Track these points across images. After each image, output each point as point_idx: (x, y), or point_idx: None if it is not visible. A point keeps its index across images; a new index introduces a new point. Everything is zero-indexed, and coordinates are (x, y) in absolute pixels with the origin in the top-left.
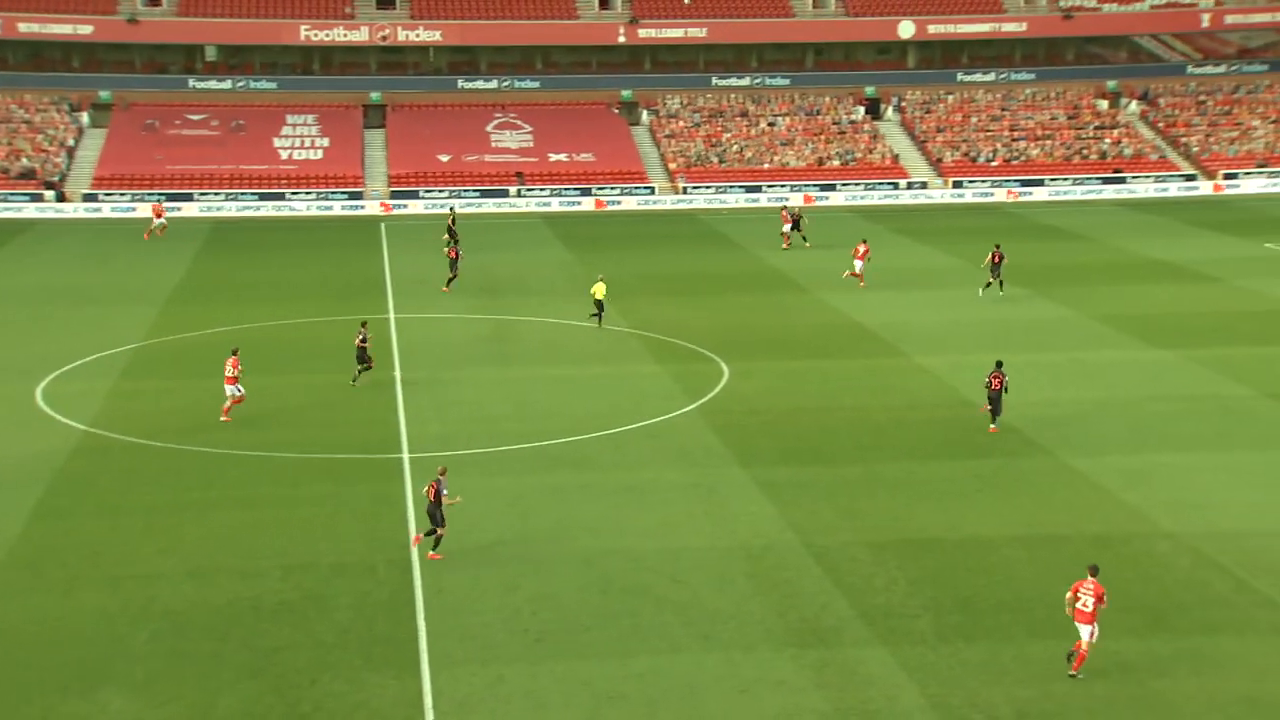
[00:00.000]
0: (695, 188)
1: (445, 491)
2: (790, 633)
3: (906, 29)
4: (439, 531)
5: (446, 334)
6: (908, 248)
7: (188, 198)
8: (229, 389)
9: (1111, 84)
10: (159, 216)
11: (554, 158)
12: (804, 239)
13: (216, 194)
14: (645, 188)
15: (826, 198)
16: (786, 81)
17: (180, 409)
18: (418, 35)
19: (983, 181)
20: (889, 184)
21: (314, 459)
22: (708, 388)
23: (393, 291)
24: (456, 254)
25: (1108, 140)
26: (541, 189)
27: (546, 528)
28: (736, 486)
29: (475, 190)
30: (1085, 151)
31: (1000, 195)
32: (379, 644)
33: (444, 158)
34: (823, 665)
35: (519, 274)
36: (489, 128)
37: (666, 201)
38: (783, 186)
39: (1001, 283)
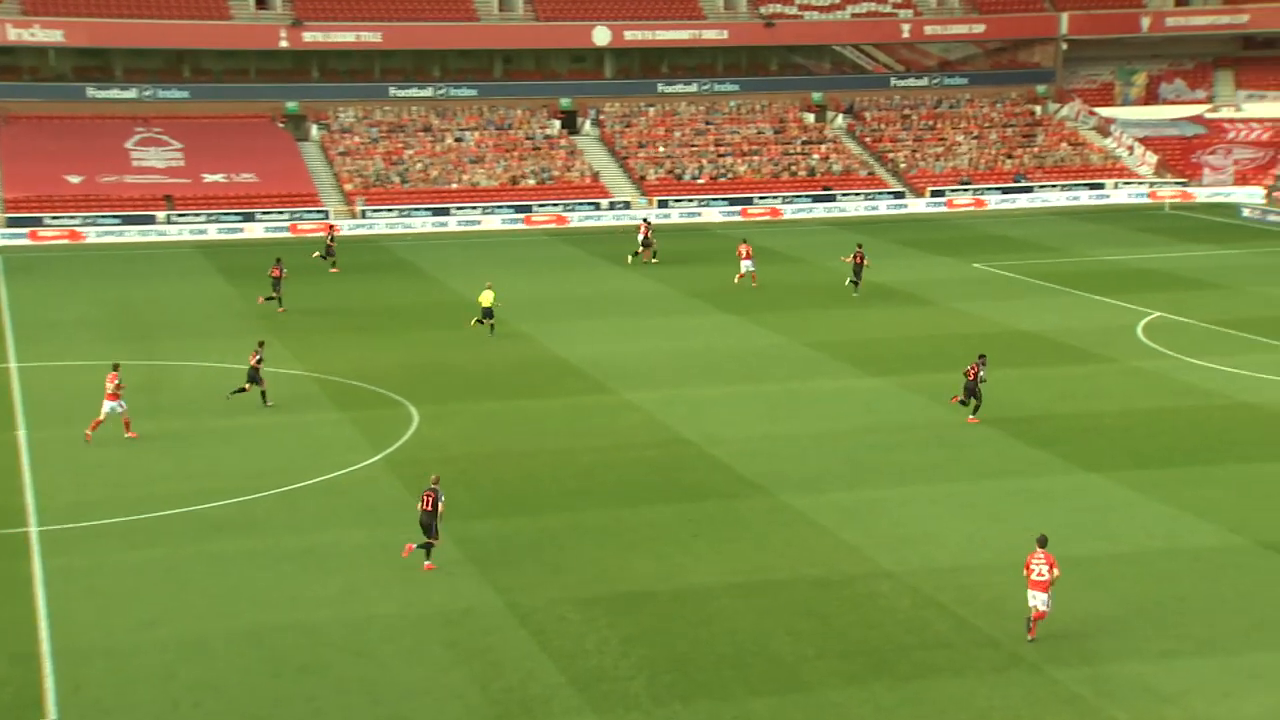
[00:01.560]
0: (375, 211)
1: (443, 499)
2: (493, 705)
3: (602, 35)
4: (433, 542)
5: (84, 384)
6: (611, 273)
7: None
8: (109, 405)
9: (817, 96)
10: None
11: (209, 178)
12: (654, 255)
13: None
14: (318, 211)
15: (522, 220)
16: (473, 92)
17: None
18: (33, 34)
19: (689, 200)
20: (589, 204)
21: None
22: (395, 435)
23: (14, 336)
24: (280, 273)
25: (816, 156)
26: (195, 214)
27: (208, 603)
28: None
29: (115, 217)
30: (794, 168)
31: (712, 215)
32: None
33: (74, 179)
34: None
35: (172, 313)
36: (129, 144)
37: (343, 227)
38: (473, 208)
39: (856, 283)
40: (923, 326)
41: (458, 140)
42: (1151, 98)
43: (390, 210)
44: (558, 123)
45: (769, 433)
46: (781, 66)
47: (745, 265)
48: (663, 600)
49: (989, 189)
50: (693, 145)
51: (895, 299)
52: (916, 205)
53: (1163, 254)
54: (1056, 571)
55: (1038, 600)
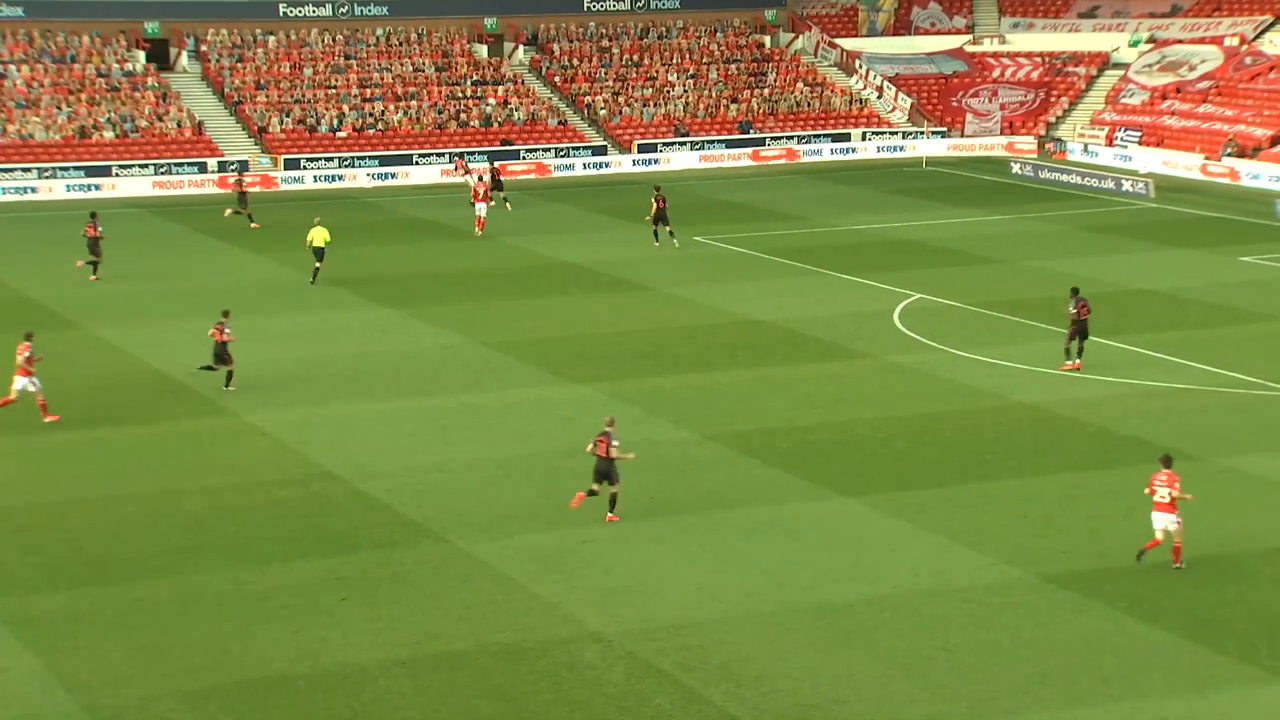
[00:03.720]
0: None
1: (616, 444)
2: None
3: None
4: (614, 489)
5: None
6: (222, 254)
7: None
8: (20, 382)
9: (490, 23)
10: None
11: None
12: (505, 199)
13: None
14: None
15: (97, 186)
16: (19, 11)
17: None
18: None
19: (328, 159)
20: (192, 165)
21: None
22: None
23: None
24: (96, 231)
25: (492, 100)
26: None
27: None
28: None
29: None
30: (464, 116)
31: (359, 179)
32: None
33: None
34: None
35: None
36: None
37: None
38: (26, 170)
39: (671, 231)
40: (634, 318)
41: None
42: (903, 26)
43: None
44: (142, 55)
45: (440, 461)
46: None
47: (480, 208)
48: (302, 687)
49: (710, 142)
50: (330, 86)
51: (599, 284)
52: (622, 163)
53: (921, 221)
54: (1177, 489)
55: (1163, 523)
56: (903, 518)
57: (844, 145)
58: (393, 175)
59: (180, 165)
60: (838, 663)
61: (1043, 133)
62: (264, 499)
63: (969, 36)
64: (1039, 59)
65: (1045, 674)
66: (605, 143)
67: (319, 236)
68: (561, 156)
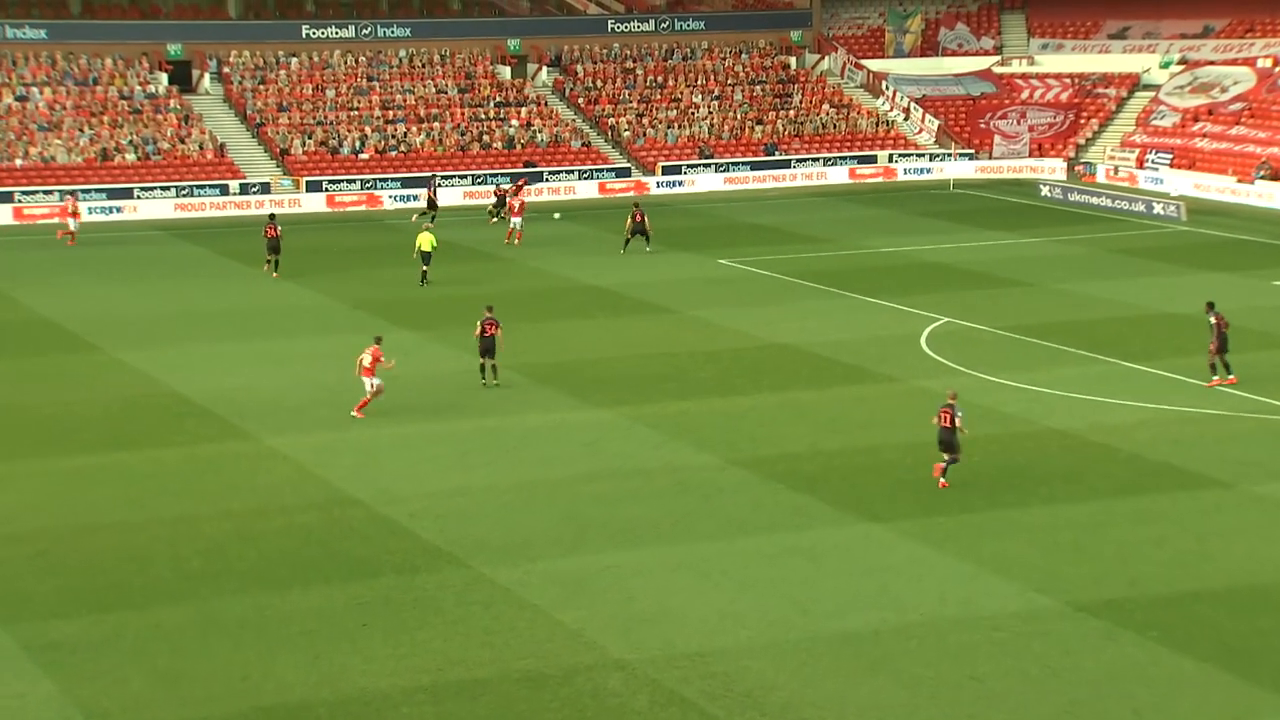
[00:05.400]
0: None
1: (960, 415)
2: None
3: None
4: (956, 458)
5: None
6: (244, 277)
7: None
8: (369, 382)
9: (514, 44)
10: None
11: None
12: (493, 213)
13: None
14: None
15: (119, 208)
16: (42, 34)
17: None
18: None
19: (350, 182)
20: (214, 187)
21: None
22: None
23: None
24: (276, 232)
25: (515, 122)
26: None
27: None
28: None
29: None
30: (486, 138)
31: (382, 201)
32: None
33: None
34: None
35: None
36: None
37: None
38: (48, 193)
39: (648, 236)
40: (657, 341)
41: (20, 100)
42: (930, 47)
43: None
44: (165, 77)
45: (461, 485)
46: (466, 5)
47: (515, 222)
48: (323, 713)
49: (735, 164)
50: (352, 108)
51: (622, 306)
52: (646, 185)
53: (949, 244)
54: None
55: None
56: (929, 544)
57: (870, 167)
58: (415, 197)
59: (202, 188)
60: (864, 691)
61: (1072, 155)
62: (285, 524)
63: (997, 58)
64: (1068, 80)
65: (1075, 703)
66: (629, 165)
67: (426, 242)
68: (585, 179)
